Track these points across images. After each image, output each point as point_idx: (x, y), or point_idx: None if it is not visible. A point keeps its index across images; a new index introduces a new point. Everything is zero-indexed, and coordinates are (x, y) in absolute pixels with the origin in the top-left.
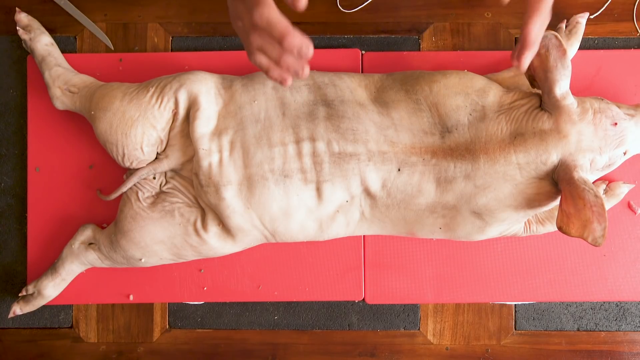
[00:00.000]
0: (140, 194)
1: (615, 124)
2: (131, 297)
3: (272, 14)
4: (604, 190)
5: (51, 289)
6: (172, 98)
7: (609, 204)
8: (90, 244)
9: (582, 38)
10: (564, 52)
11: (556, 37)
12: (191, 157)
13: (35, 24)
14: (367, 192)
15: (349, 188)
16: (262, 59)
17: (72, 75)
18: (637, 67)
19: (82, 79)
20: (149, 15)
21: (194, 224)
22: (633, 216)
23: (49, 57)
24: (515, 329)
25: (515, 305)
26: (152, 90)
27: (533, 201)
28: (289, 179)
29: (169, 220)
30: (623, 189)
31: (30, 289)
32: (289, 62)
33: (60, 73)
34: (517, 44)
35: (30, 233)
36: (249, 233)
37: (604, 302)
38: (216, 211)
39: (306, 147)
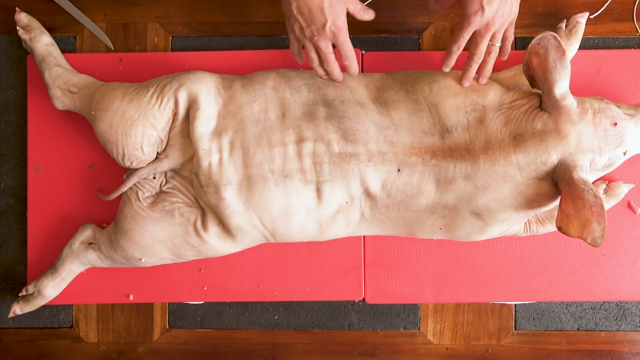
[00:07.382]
0: (140, 193)
1: (615, 124)
2: (131, 297)
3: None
4: (604, 190)
5: (51, 289)
6: (172, 98)
7: (608, 204)
8: (90, 243)
9: (582, 38)
10: (562, 52)
11: (555, 37)
12: (191, 157)
13: (35, 24)
14: (367, 193)
15: (349, 189)
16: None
17: (72, 75)
18: (637, 67)
19: (82, 79)
20: (149, 15)
21: (194, 224)
22: (633, 216)
23: (49, 57)
24: (515, 328)
25: (515, 305)
26: (152, 90)
27: (533, 202)
28: (288, 179)
29: (169, 220)
30: (623, 189)
31: (30, 288)
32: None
33: (60, 73)
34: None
35: (30, 233)
36: (248, 233)
37: (604, 302)
38: (216, 211)
39: (306, 147)
